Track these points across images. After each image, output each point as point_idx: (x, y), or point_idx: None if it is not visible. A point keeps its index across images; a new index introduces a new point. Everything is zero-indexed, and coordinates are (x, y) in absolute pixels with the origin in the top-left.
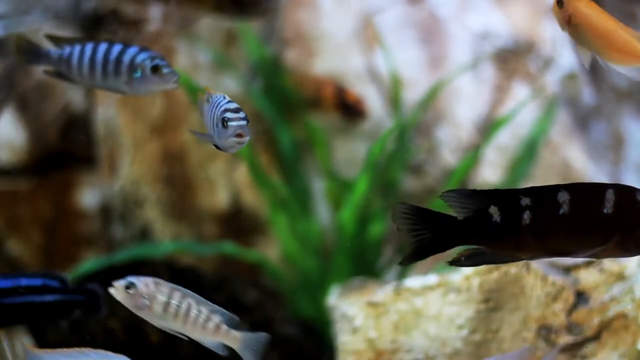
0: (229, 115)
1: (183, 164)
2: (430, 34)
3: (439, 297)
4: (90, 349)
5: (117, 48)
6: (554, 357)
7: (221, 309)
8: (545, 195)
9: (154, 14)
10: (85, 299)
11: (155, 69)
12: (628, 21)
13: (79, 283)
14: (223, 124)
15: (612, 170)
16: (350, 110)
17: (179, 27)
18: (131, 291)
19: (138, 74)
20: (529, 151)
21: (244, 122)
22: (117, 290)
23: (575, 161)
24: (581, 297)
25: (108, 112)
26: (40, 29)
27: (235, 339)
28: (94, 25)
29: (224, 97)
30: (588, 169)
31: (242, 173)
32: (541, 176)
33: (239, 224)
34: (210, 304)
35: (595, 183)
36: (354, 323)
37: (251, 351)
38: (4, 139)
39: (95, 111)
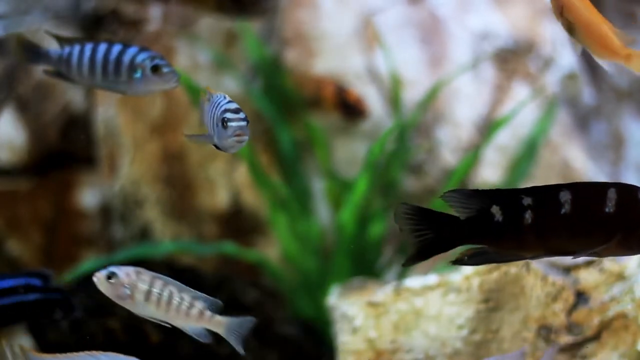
0: (228, 115)
1: (183, 164)
2: (430, 34)
3: (439, 297)
4: (101, 352)
5: (117, 48)
6: (552, 357)
7: (204, 294)
8: (547, 194)
9: (154, 14)
10: (62, 296)
11: (155, 69)
12: (628, 21)
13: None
14: (223, 124)
15: (612, 170)
16: (350, 109)
17: (179, 27)
18: (112, 281)
19: (138, 74)
20: (529, 151)
21: (243, 123)
22: (98, 280)
23: (575, 161)
24: (581, 297)
25: (108, 112)
26: (40, 29)
27: (219, 323)
28: (94, 25)
29: (224, 97)
30: (588, 169)
31: (242, 173)
32: (541, 176)
33: (239, 224)
34: (193, 290)
35: (597, 182)
36: (354, 323)
37: (236, 335)
38: (4, 139)
39: (95, 111)
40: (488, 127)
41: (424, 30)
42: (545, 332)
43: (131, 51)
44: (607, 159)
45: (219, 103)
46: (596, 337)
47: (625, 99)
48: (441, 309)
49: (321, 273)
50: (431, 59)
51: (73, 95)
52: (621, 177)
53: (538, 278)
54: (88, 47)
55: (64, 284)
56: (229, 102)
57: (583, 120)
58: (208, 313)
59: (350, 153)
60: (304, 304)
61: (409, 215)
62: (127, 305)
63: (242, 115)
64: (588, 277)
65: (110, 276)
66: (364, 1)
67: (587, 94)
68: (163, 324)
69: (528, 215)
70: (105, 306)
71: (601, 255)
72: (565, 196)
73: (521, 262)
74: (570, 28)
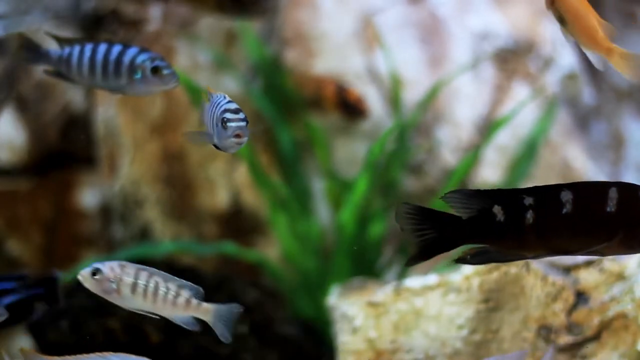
0: (228, 115)
1: (183, 164)
2: (430, 34)
3: (439, 297)
4: (111, 353)
5: (116, 49)
6: (552, 357)
7: (189, 283)
8: (548, 194)
9: (154, 14)
10: (44, 290)
11: (155, 70)
12: (628, 21)
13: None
14: (222, 124)
15: (612, 170)
16: (351, 109)
17: (179, 27)
18: (97, 277)
19: (138, 75)
20: (529, 151)
21: (243, 123)
22: (83, 278)
23: (575, 161)
24: (581, 297)
25: (108, 112)
26: (40, 29)
27: (206, 311)
28: (94, 25)
29: (224, 97)
30: (588, 169)
31: (242, 173)
32: (541, 176)
33: (239, 224)
34: (178, 279)
35: (598, 182)
36: (354, 323)
37: (223, 323)
38: (4, 139)
39: (95, 111)
40: (488, 127)
41: (424, 30)
42: (545, 332)
43: (131, 52)
44: (607, 159)
45: (218, 103)
46: (596, 337)
47: (625, 99)
48: (441, 309)
49: (321, 273)
50: (431, 59)
51: (73, 95)
52: (621, 177)
53: (538, 278)
54: (88, 48)
55: (44, 277)
56: (229, 102)
57: (583, 120)
58: (195, 301)
59: (350, 153)
60: (304, 304)
61: (410, 215)
62: (115, 299)
63: (241, 115)
64: (588, 277)
65: (94, 272)
66: (364, 1)
67: (587, 94)
68: (151, 315)
69: (529, 215)
70: (105, 306)
71: (603, 254)
72: (566, 196)
73: (521, 262)
74: (561, 19)
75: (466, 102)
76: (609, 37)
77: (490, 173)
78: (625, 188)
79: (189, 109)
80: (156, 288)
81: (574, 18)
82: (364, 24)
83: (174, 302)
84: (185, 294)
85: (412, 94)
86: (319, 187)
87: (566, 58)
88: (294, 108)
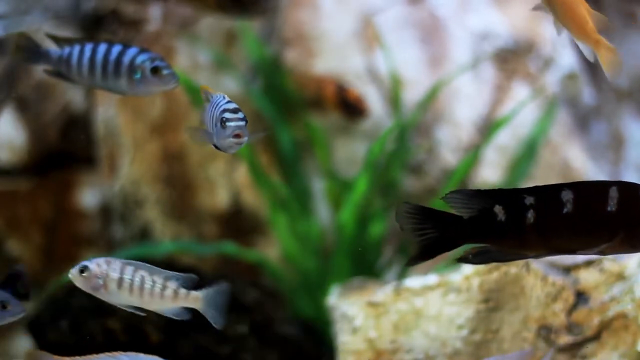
0: (227, 115)
1: (183, 164)
2: (430, 34)
3: (439, 297)
4: (121, 352)
5: (116, 49)
6: (551, 357)
7: (176, 273)
8: (549, 194)
9: (154, 14)
10: (11, 290)
11: (155, 71)
12: (628, 21)
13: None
14: (221, 124)
15: (612, 170)
16: (351, 108)
17: (179, 27)
18: (85, 274)
19: (138, 76)
20: (529, 151)
21: (242, 123)
22: (73, 276)
23: (575, 161)
24: (581, 297)
25: (108, 112)
26: (40, 29)
27: (195, 299)
28: (94, 25)
29: (224, 97)
30: (588, 169)
31: (242, 173)
32: (541, 176)
33: (239, 224)
34: (164, 271)
35: (598, 181)
36: (354, 323)
37: (214, 307)
38: (4, 139)
39: (95, 111)
40: (488, 127)
41: (424, 30)
42: (545, 332)
43: (131, 52)
44: (607, 159)
45: (218, 103)
46: (596, 337)
47: (625, 99)
48: (441, 309)
49: (321, 273)
50: (431, 59)
51: (73, 95)
52: (621, 177)
53: (538, 278)
54: (88, 48)
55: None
56: (228, 102)
57: (583, 120)
58: (182, 291)
59: (350, 153)
60: (304, 304)
61: (411, 215)
62: (103, 296)
63: (240, 115)
64: (588, 277)
65: (82, 270)
66: (364, 1)
67: (587, 94)
68: (140, 313)
69: (530, 215)
70: (105, 306)
71: (605, 253)
72: (567, 195)
73: (521, 262)
74: (552, 8)
75: (466, 102)
76: (601, 28)
77: (490, 173)
78: (625, 187)
79: (189, 109)
80: (142, 282)
81: (565, 8)
82: (364, 24)
83: (161, 294)
84: (172, 285)
85: (412, 94)
86: (319, 187)
87: (566, 58)
88: (294, 108)
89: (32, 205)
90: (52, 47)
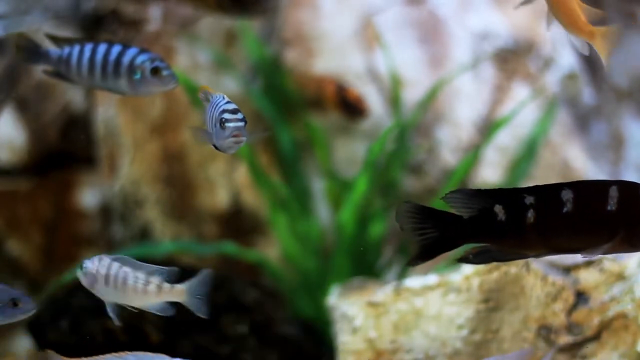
0: (226, 115)
1: (183, 164)
2: (430, 34)
3: (439, 297)
4: (128, 352)
5: (116, 49)
6: (551, 357)
7: (160, 267)
8: (549, 193)
9: (154, 14)
10: None
11: (155, 71)
12: (628, 21)
13: None
14: (221, 124)
15: (612, 170)
16: (351, 108)
17: (179, 27)
18: (82, 272)
19: (137, 76)
20: (529, 151)
21: (241, 124)
22: (79, 275)
23: (575, 161)
24: (581, 297)
25: (108, 112)
26: (40, 29)
27: (179, 292)
28: (94, 25)
29: (223, 98)
30: (588, 169)
31: (242, 173)
32: (541, 176)
33: (239, 224)
34: (148, 265)
35: (598, 180)
36: (354, 323)
37: (198, 297)
38: (4, 139)
39: (95, 111)
40: (488, 127)
41: (424, 30)
42: (545, 332)
43: (131, 52)
44: (607, 159)
45: (217, 103)
46: (596, 337)
47: (625, 99)
48: (441, 309)
49: (321, 273)
50: (431, 59)
51: (73, 95)
52: (621, 177)
53: (538, 278)
54: (88, 48)
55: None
56: (227, 102)
57: (583, 120)
58: (166, 285)
59: (350, 153)
60: (304, 304)
61: (411, 214)
62: (97, 293)
63: (240, 115)
64: (588, 277)
65: (81, 267)
66: (364, 1)
67: (587, 94)
68: (131, 309)
69: (530, 214)
70: (105, 306)
71: (605, 252)
72: (567, 195)
73: (521, 262)
74: (548, 2)
75: (466, 102)
76: (593, 20)
77: (490, 173)
78: (625, 186)
79: (189, 109)
80: (125, 278)
81: (557, 3)
82: (364, 24)
83: (144, 290)
84: (155, 280)
85: (412, 94)
86: (319, 187)
87: (566, 58)
88: (294, 108)
89: (32, 205)
90: (51, 47)
